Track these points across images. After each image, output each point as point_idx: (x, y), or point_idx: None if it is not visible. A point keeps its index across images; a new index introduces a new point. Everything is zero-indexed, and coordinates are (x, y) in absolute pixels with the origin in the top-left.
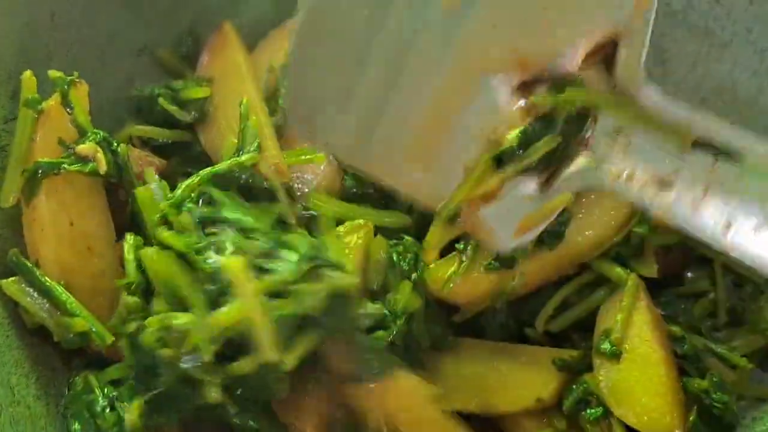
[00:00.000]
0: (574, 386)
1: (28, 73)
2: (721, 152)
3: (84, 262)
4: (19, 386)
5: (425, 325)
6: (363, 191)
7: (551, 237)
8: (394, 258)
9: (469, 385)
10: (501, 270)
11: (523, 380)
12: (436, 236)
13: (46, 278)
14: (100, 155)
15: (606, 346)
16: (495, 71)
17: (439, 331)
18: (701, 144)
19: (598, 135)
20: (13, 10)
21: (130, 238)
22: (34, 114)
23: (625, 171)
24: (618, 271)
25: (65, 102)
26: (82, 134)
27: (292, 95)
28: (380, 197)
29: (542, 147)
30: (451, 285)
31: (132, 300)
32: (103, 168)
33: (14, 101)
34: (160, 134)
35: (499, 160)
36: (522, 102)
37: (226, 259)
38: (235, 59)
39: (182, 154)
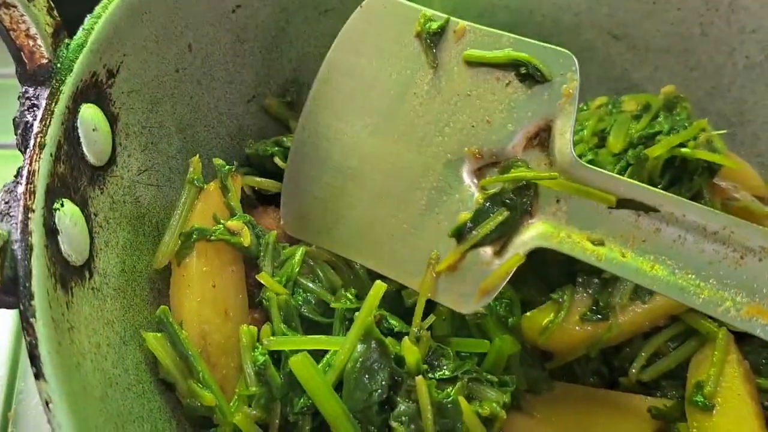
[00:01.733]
0: None
1: (196, 158)
2: (642, 208)
3: (221, 322)
4: (165, 431)
5: (522, 368)
6: None
7: (644, 290)
8: (491, 303)
9: (565, 429)
10: (596, 321)
11: (619, 427)
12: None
13: (187, 342)
14: (246, 231)
15: (699, 398)
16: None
17: (535, 375)
18: (624, 203)
19: (541, 205)
20: (145, 66)
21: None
22: (197, 191)
23: (563, 233)
24: (708, 324)
25: (223, 186)
26: (232, 215)
27: (287, 196)
28: None
29: (492, 221)
30: (548, 333)
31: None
32: (247, 241)
33: (146, 153)
34: (272, 186)
35: (459, 236)
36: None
37: None
38: None
39: None
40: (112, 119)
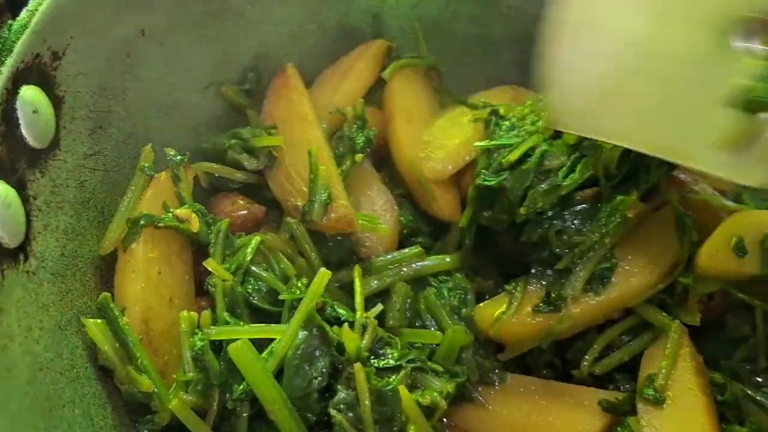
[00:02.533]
0: (618, 429)
1: (148, 148)
2: None
3: (165, 309)
4: (97, 417)
5: (475, 360)
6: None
7: (597, 282)
8: (445, 294)
9: (516, 420)
10: (548, 312)
11: (569, 420)
12: None
13: (128, 328)
14: (195, 218)
15: (650, 392)
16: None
17: (488, 366)
18: None
19: None
20: (94, 50)
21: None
22: (147, 179)
23: None
24: (662, 317)
25: (175, 176)
26: (183, 204)
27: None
28: (432, 232)
29: None
30: (500, 325)
31: None
32: (195, 228)
33: (93, 137)
34: (231, 173)
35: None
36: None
37: None
38: (301, 104)
39: (252, 197)
40: (57, 102)
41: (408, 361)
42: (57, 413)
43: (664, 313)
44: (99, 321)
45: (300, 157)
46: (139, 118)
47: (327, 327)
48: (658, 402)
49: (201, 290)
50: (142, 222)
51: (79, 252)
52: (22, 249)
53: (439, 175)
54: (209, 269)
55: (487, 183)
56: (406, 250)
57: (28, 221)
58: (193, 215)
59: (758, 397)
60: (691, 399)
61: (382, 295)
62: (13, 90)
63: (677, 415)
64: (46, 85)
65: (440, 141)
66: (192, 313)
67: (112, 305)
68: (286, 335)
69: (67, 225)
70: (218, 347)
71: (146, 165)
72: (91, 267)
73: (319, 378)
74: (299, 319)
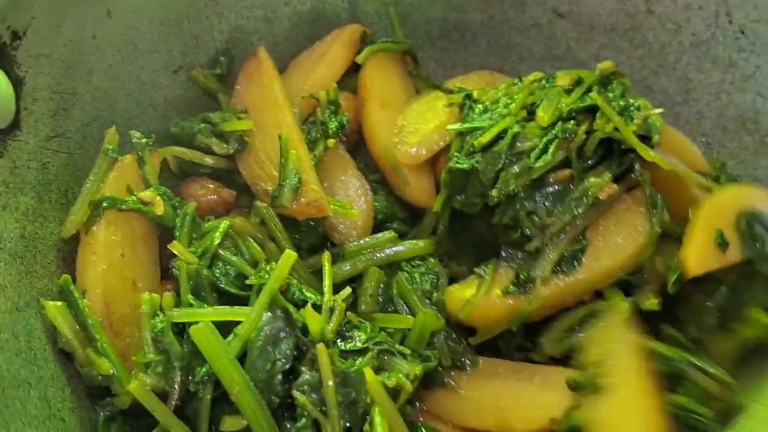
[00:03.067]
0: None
1: (112, 130)
2: None
3: (128, 292)
4: (55, 399)
5: (446, 344)
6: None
7: (568, 264)
8: (417, 278)
9: (486, 403)
10: (518, 294)
11: (537, 400)
12: None
13: (88, 311)
14: (159, 200)
15: (591, 374)
16: None
17: (460, 350)
18: None
19: None
20: (57, 30)
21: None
22: (111, 162)
23: None
24: (617, 299)
25: (140, 159)
26: (148, 188)
27: None
28: (407, 217)
29: None
30: (469, 308)
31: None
32: (160, 210)
33: (56, 119)
34: (200, 158)
35: None
36: None
37: None
38: (272, 88)
39: (222, 182)
40: (17, 82)
41: (375, 344)
42: (11, 393)
43: (621, 296)
44: (59, 303)
45: (270, 142)
46: (105, 101)
47: (292, 308)
48: (597, 385)
49: (167, 275)
50: (104, 204)
51: (40, 234)
52: None
53: (413, 160)
54: (176, 253)
55: (459, 166)
56: (380, 235)
57: None
58: (158, 198)
59: (700, 364)
60: (634, 383)
61: (355, 280)
62: None
63: (620, 398)
64: (7, 64)
65: (414, 126)
66: (154, 294)
67: (72, 287)
68: (250, 317)
69: (27, 206)
70: (182, 330)
71: (110, 147)
72: (52, 250)
73: (283, 360)
74: (263, 301)
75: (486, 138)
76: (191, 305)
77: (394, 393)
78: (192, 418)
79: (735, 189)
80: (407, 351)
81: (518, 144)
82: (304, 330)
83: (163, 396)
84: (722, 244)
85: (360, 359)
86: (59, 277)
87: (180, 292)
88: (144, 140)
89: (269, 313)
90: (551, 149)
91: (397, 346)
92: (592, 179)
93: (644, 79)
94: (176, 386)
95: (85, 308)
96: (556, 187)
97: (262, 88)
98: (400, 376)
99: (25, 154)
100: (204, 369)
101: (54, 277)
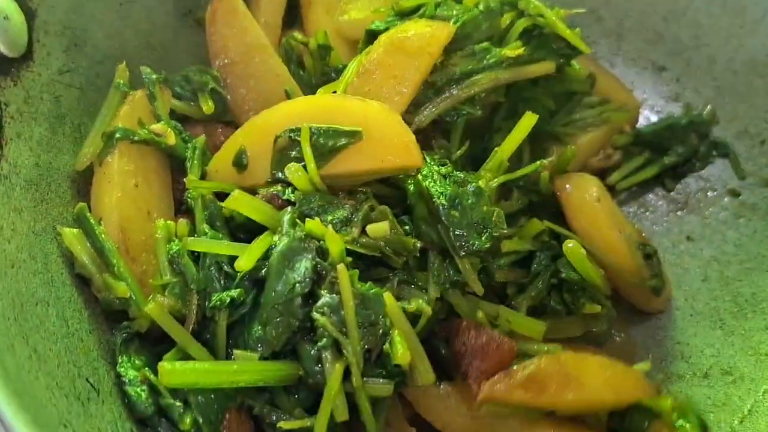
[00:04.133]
0: None
1: (122, 65)
2: None
3: (142, 222)
4: (72, 320)
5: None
6: None
7: None
8: None
9: None
10: None
11: None
12: None
13: (104, 237)
14: (171, 132)
15: None
16: None
17: None
18: None
19: None
20: None
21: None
22: (122, 96)
23: None
24: None
25: (150, 94)
26: (158, 121)
27: None
28: None
29: None
30: None
31: None
32: (171, 141)
33: (68, 54)
34: (195, 112)
35: None
36: None
37: None
38: (257, 34)
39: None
40: (30, 13)
41: (394, 274)
42: (29, 309)
43: None
44: (75, 230)
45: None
46: (116, 40)
47: (312, 230)
48: None
49: (180, 209)
50: (117, 135)
51: (54, 164)
52: None
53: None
54: (190, 188)
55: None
56: None
57: (0, 126)
58: (169, 130)
59: None
60: None
61: None
62: None
63: None
64: None
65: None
66: (169, 222)
67: (88, 215)
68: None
69: (41, 136)
70: (196, 258)
71: (121, 81)
72: (66, 180)
73: (302, 282)
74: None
75: (408, 3)
76: (206, 234)
77: (413, 318)
78: (209, 342)
79: None
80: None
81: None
82: (322, 253)
83: (180, 320)
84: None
85: (379, 286)
86: (74, 206)
87: (195, 222)
88: (154, 76)
89: (286, 237)
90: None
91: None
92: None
93: (655, 26)
94: (193, 309)
95: (102, 234)
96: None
97: (245, 34)
98: (420, 301)
99: (38, 85)
100: (218, 295)
101: (69, 206)
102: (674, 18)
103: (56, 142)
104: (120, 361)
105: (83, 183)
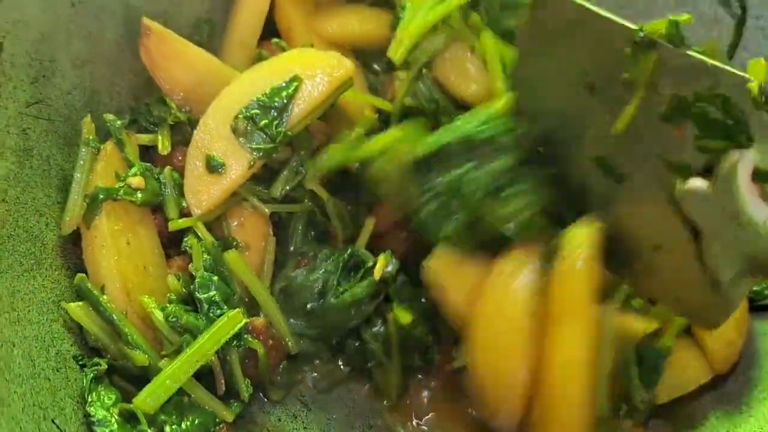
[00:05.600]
0: None
1: (87, 119)
2: None
3: (142, 279)
4: (39, 359)
5: None
6: None
7: None
8: None
9: None
10: None
11: None
12: None
13: (110, 306)
14: (143, 185)
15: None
16: None
17: None
18: None
19: None
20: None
21: None
22: (94, 152)
23: None
24: None
25: (119, 141)
26: (131, 167)
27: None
28: None
29: None
30: None
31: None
32: (147, 196)
33: (35, 86)
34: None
35: None
36: None
37: None
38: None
39: None
40: None
41: None
42: None
43: None
44: (81, 303)
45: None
46: (86, 69)
47: None
48: None
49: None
50: (101, 197)
51: (22, 199)
52: None
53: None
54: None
55: None
56: None
57: None
58: (142, 181)
59: None
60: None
61: None
62: None
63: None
64: None
65: None
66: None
67: (89, 285)
68: None
69: (8, 171)
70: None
71: (90, 137)
72: (35, 215)
73: None
74: None
75: None
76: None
77: None
78: None
79: None
80: None
81: None
82: None
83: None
84: None
85: None
86: (42, 242)
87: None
88: (119, 122)
89: None
90: None
91: None
92: None
93: None
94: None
95: (107, 303)
96: None
97: (185, 58)
98: None
99: (5, 119)
100: None
101: (37, 242)
102: None
103: (24, 177)
104: (90, 400)
105: (52, 217)
